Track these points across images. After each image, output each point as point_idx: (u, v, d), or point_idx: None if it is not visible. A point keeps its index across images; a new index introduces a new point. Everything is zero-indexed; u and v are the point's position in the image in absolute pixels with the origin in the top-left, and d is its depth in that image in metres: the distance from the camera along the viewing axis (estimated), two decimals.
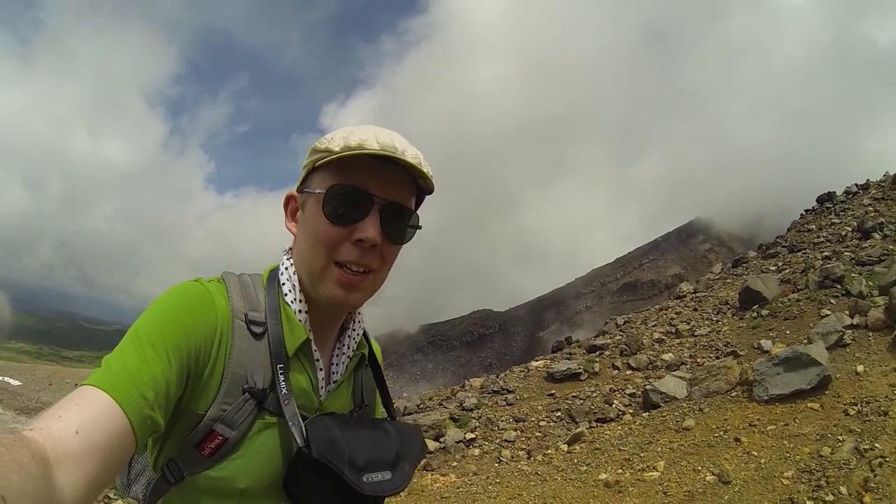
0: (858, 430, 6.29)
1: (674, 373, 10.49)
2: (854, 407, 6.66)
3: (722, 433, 7.29)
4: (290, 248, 1.38)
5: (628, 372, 12.32)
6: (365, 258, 1.24)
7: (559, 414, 11.17)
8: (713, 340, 12.41)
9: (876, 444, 5.93)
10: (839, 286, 12.37)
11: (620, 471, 7.18)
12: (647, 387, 10.22)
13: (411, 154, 1.21)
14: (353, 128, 1.24)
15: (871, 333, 8.54)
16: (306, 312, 1.30)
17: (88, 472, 0.89)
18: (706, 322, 14.05)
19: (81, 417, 0.92)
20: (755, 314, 12.98)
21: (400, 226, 1.27)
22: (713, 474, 6.47)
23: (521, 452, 9.80)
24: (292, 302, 1.30)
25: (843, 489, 5.56)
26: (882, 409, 6.32)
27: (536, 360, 16.20)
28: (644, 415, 9.27)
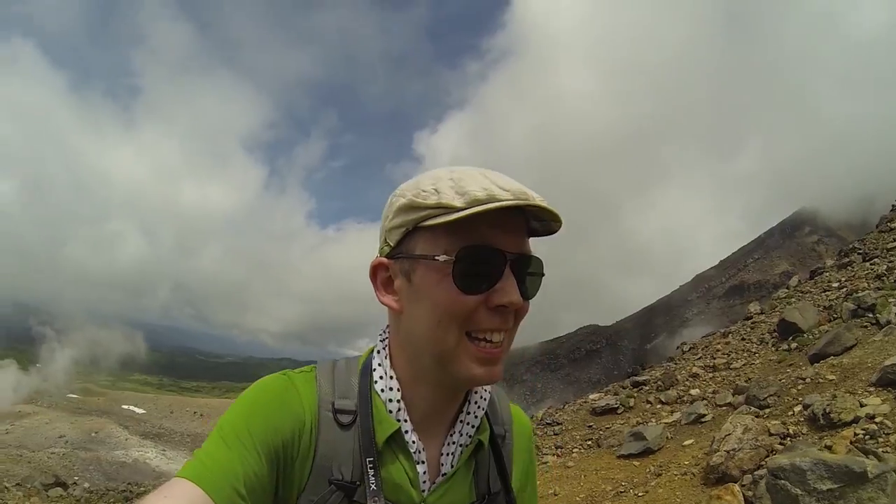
0: (636, 481, 8.50)
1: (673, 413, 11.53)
2: (654, 467, 8.70)
3: (580, 471, 10.29)
4: (387, 328, 1.23)
5: (658, 406, 13.34)
6: (506, 323, 1.08)
7: (590, 443, 12.68)
8: (739, 376, 13.12)
9: (631, 490, 8.13)
10: (871, 315, 12.62)
11: None
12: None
13: (540, 198, 1.05)
14: (451, 172, 1.07)
15: (731, 412, 9.71)
16: (399, 400, 1.15)
17: None
18: (744, 354, 14.67)
19: None
20: (786, 347, 13.47)
21: (531, 278, 1.11)
22: (551, 491, 9.44)
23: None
24: (382, 390, 1.16)
25: None
26: (661, 471, 8.28)
27: (593, 395, 17.42)
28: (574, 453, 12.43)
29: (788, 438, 6.36)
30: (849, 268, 19.36)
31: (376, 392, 1.17)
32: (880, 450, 4.96)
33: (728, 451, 6.01)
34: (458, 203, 1.00)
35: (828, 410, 6.14)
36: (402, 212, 1.08)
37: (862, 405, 6.02)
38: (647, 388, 14.71)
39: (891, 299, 12.71)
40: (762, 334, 15.58)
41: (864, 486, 4.12)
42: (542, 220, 1.10)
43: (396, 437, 1.14)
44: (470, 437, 1.22)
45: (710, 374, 14.19)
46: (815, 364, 9.31)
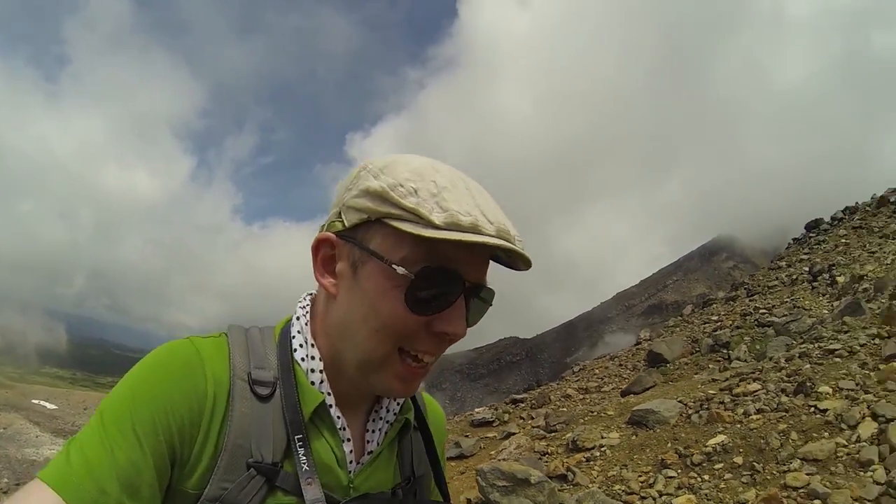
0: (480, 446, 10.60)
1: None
2: (463, 468, 10.17)
3: None
4: (310, 295, 1.16)
5: (529, 421, 14.81)
6: (440, 349, 1.04)
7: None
8: (604, 398, 14.68)
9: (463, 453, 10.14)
10: (725, 351, 14.36)
11: None
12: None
13: (520, 240, 1.00)
14: (436, 173, 0.98)
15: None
16: (321, 371, 1.07)
17: None
18: (616, 379, 16.29)
19: None
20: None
21: (478, 307, 1.05)
22: None
23: None
24: (302, 359, 1.07)
25: None
26: (465, 470, 9.72)
27: (478, 409, 18.92)
28: None
29: (546, 455, 8.05)
30: (733, 302, 21.11)
31: (296, 361, 1.07)
32: (581, 470, 6.78)
33: (499, 459, 7.68)
34: (436, 219, 0.92)
35: (576, 439, 7.85)
36: (369, 196, 0.98)
37: (603, 437, 7.67)
38: (523, 405, 16.22)
39: (746, 338, 14.46)
40: (638, 361, 17.20)
41: (529, 488, 5.99)
42: (525, 265, 1.02)
43: (321, 412, 1.06)
44: (395, 414, 1.17)
45: (581, 396, 15.72)
46: (623, 398, 11.01)
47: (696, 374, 13.28)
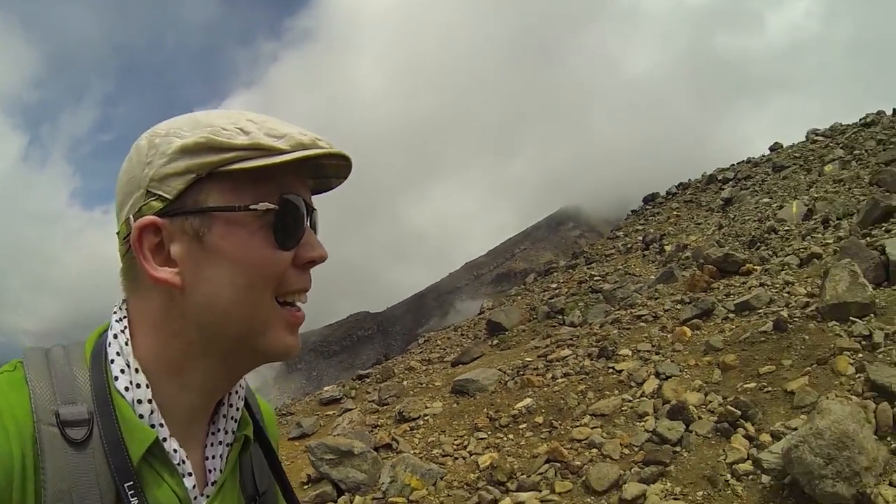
0: (289, 455, 10.20)
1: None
2: (304, 447, 10.00)
3: None
4: (123, 304, 0.97)
5: (375, 395, 15.34)
6: (309, 282, 0.99)
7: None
8: (444, 368, 15.32)
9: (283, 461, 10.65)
10: (560, 317, 15.40)
11: None
12: None
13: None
14: (240, 114, 0.93)
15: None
16: (150, 401, 0.90)
17: None
18: (457, 349, 17.01)
19: None
20: (490, 344, 15.93)
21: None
22: None
23: None
24: (126, 389, 0.90)
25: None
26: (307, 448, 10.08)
27: (326, 387, 19.24)
28: None
29: (376, 427, 8.58)
30: (572, 270, 22.47)
31: (117, 391, 0.90)
32: (405, 439, 7.45)
33: (332, 435, 8.21)
34: (281, 145, 0.88)
35: (403, 410, 8.52)
36: (189, 154, 0.88)
37: (427, 407, 8.37)
38: (369, 380, 16.65)
39: (580, 304, 15.58)
40: (479, 330, 18.02)
41: (354, 458, 6.59)
42: (318, 177, 1.02)
43: (154, 450, 0.90)
44: (234, 433, 1.06)
45: (424, 367, 16.33)
46: (452, 369, 11.76)
47: (532, 339, 14.23)
